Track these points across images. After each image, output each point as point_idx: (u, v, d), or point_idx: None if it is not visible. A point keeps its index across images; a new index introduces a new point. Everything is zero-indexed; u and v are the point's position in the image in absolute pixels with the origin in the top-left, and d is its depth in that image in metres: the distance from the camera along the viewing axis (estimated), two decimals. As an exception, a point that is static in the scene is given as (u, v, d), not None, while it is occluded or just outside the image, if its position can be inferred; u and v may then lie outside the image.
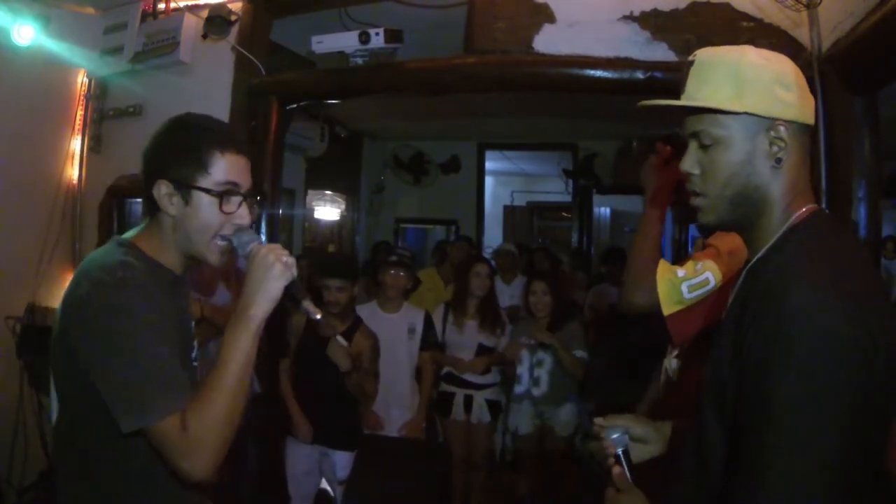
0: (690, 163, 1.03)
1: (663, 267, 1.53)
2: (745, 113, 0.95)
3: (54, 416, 1.26)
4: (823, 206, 2.41)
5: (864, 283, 0.89)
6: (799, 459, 0.81)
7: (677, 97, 1.05)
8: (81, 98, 3.61)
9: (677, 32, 2.65)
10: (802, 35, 2.55)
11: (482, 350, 3.59)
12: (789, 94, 0.96)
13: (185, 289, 1.38)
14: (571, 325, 3.47)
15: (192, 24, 3.23)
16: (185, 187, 1.23)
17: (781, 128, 0.95)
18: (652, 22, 2.68)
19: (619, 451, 1.19)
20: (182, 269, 1.32)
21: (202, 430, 1.09)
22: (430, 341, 3.43)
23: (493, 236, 7.89)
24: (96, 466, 1.21)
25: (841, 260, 0.91)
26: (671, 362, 1.89)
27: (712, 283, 1.48)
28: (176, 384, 1.12)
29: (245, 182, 1.28)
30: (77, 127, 3.61)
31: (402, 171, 7.25)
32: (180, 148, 1.25)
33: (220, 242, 1.27)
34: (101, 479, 1.21)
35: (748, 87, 0.96)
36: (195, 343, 1.39)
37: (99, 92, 3.63)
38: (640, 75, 2.61)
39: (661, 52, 2.66)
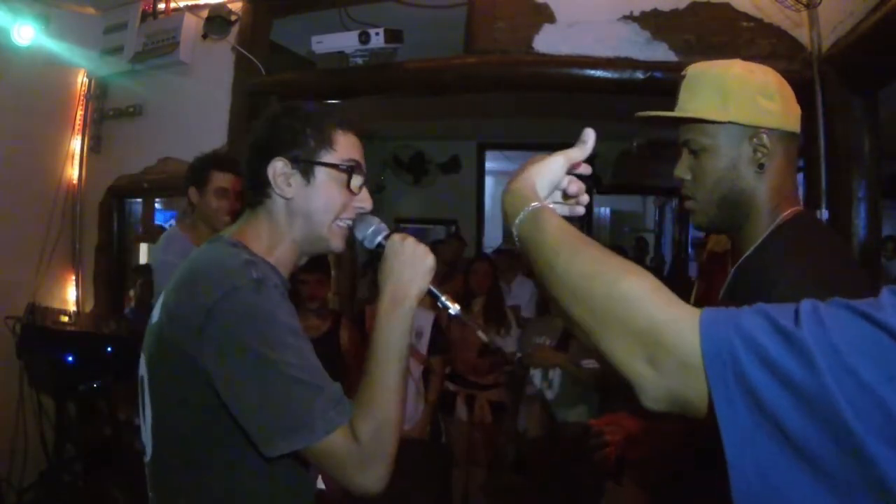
0: (683, 169, 1.09)
1: None
2: (730, 122, 1.01)
3: (149, 451, 1.13)
4: (823, 206, 2.41)
5: (845, 275, 0.92)
6: None
7: (676, 97, 1.09)
8: (81, 98, 3.62)
9: (677, 32, 2.65)
10: (802, 35, 2.55)
11: (486, 350, 3.59)
12: (772, 103, 1.00)
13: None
14: None
15: (192, 24, 3.23)
16: (307, 163, 1.11)
17: (764, 135, 1.01)
18: (652, 22, 2.68)
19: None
20: (291, 270, 1.18)
21: (376, 437, 0.97)
22: (440, 346, 3.34)
23: (493, 236, 7.88)
24: (208, 496, 1.08)
25: (823, 255, 0.95)
26: None
27: None
28: (338, 393, 1.00)
29: (363, 165, 1.16)
30: (77, 127, 3.61)
31: (402, 171, 7.24)
32: (300, 125, 1.13)
33: (343, 224, 1.15)
34: (219, 473, 1.08)
35: (732, 98, 1.01)
36: None
37: (99, 92, 3.63)
38: (640, 75, 2.61)
39: (661, 52, 2.66)
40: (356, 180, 1.13)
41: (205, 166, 2.37)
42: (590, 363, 3.38)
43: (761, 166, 1.01)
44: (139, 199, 4.01)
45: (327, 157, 1.12)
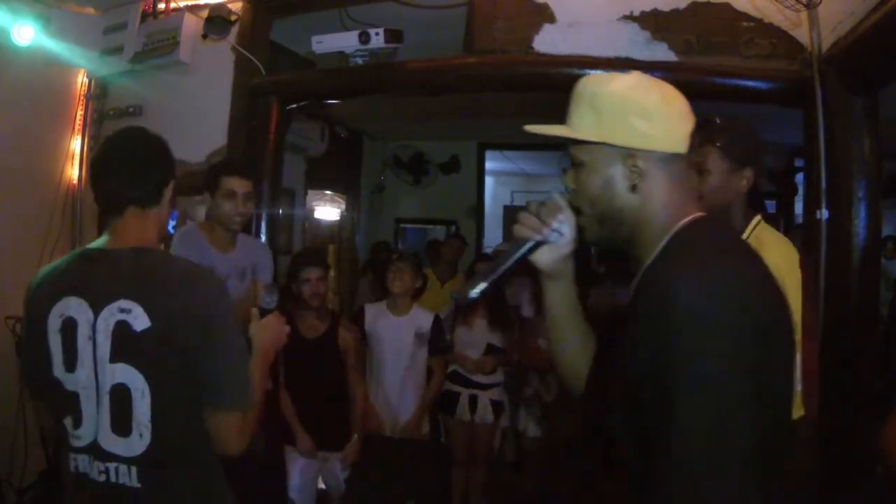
0: (570, 178, 1.09)
1: None
2: (603, 143, 1.00)
3: (141, 446, 1.29)
4: (823, 206, 2.41)
5: (742, 270, 0.93)
6: (703, 444, 0.85)
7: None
8: (81, 98, 3.62)
9: (677, 32, 2.65)
10: (802, 35, 2.55)
11: (491, 349, 3.59)
12: (648, 125, 0.98)
13: None
14: None
15: (192, 24, 3.23)
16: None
17: (638, 158, 0.99)
18: (652, 22, 2.68)
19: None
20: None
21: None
22: (440, 346, 3.34)
23: (494, 236, 7.88)
24: (203, 454, 1.36)
25: (721, 252, 0.96)
26: None
27: None
28: None
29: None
30: (77, 127, 3.61)
31: (402, 171, 7.24)
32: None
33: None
34: (205, 466, 1.37)
35: (605, 119, 1.00)
36: None
37: (99, 92, 3.63)
38: (639, 75, 2.61)
39: (662, 52, 2.66)
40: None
41: (215, 171, 2.53)
42: None
43: (634, 187, 1.00)
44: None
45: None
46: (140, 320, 1.26)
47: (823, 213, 2.41)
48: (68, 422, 1.32)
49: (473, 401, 3.58)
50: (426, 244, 6.16)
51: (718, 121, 1.72)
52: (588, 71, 2.66)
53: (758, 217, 1.75)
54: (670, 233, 1.00)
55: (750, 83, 2.60)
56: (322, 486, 3.16)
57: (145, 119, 3.49)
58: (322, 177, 6.11)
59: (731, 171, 1.70)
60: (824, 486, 2.31)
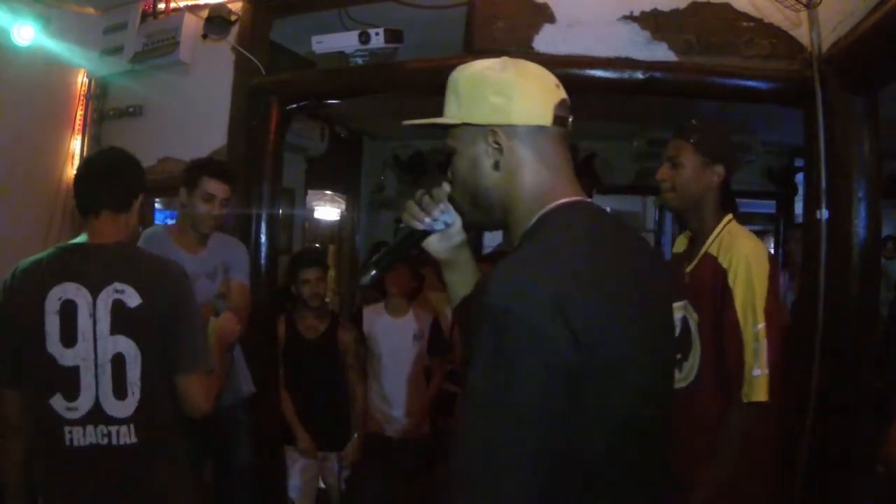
0: (450, 170, 1.10)
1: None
2: (464, 123, 1.01)
3: (135, 372, 1.58)
4: (823, 206, 2.41)
5: (573, 270, 0.86)
6: (472, 453, 0.82)
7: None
8: (81, 98, 3.61)
9: (677, 32, 2.65)
10: (802, 35, 2.55)
11: None
12: (505, 100, 0.98)
13: None
14: None
15: (192, 24, 3.23)
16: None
17: (499, 133, 0.98)
18: (652, 22, 2.68)
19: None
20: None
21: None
22: (440, 348, 3.32)
23: (493, 236, 7.87)
24: (175, 413, 1.65)
25: (558, 248, 0.90)
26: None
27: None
28: None
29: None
30: (77, 127, 3.61)
31: (402, 171, 7.24)
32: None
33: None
34: (178, 423, 1.68)
35: (464, 100, 1.01)
36: None
37: (99, 92, 3.63)
38: (640, 75, 2.61)
39: (662, 52, 2.66)
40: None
41: (196, 171, 2.47)
42: None
43: (497, 164, 0.99)
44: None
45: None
46: (133, 298, 1.58)
47: (823, 213, 2.41)
48: (58, 398, 1.55)
49: None
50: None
51: (694, 121, 1.82)
52: (588, 71, 2.66)
53: (729, 216, 1.82)
54: (535, 217, 0.98)
55: (750, 83, 2.60)
56: (322, 485, 3.16)
57: (145, 119, 3.49)
58: (322, 177, 6.11)
59: (704, 165, 1.79)
60: (824, 486, 2.31)
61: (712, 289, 1.70)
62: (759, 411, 1.62)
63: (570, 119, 1.02)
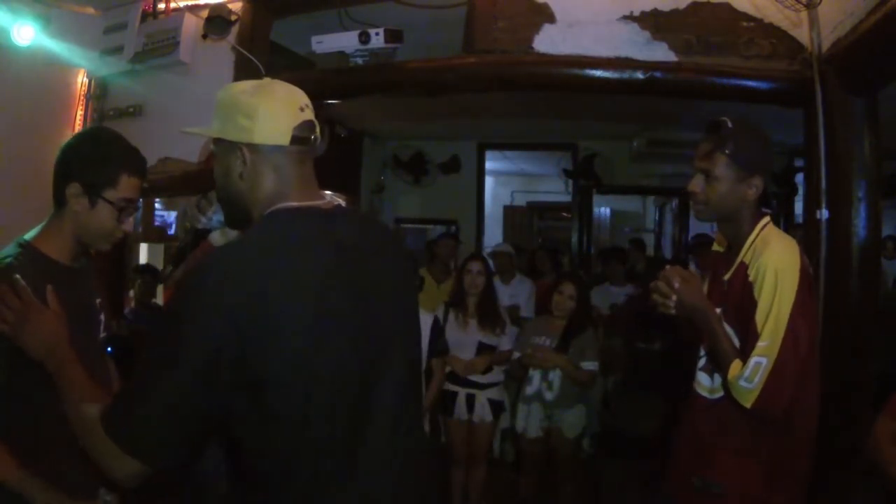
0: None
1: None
2: (219, 138, 1.20)
3: None
4: (823, 206, 2.41)
5: (235, 260, 1.08)
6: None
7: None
8: (81, 98, 3.61)
9: (677, 32, 2.65)
10: (802, 35, 2.55)
11: (483, 348, 3.59)
12: (250, 122, 1.16)
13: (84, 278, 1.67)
14: (586, 335, 3.44)
15: (192, 24, 3.23)
16: (93, 193, 1.50)
17: (244, 150, 1.18)
18: (652, 22, 2.68)
19: None
20: (72, 255, 1.60)
21: None
22: (440, 348, 3.33)
23: (493, 236, 7.88)
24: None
25: (237, 244, 1.15)
26: (702, 376, 1.75)
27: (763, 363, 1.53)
28: None
29: (138, 202, 1.62)
30: (77, 127, 3.61)
31: (402, 171, 7.24)
32: (98, 157, 1.52)
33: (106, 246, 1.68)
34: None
35: (219, 118, 1.21)
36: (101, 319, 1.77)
37: (99, 92, 3.63)
38: (640, 75, 2.61)
39: (662, 52, 2.66)
40: (124, 216, 1.56)
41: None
42: (589, 365, 3.39)
43: (241, 175, 1.19)
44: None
45: (108, 194, 1.50)
46: None
47: (823, 213, 2.41)
48: None
49: (471, 400, 3.58)
50: (425, 244, 6.17)
51: (730, 124, 1.65)
52: (588, 71, 2.66)
53: (766, 219, 1.71)
54: (259, 217, 1.19)
55: (750, 83, 2.60)
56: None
57: (145, 119, 3.49)
58: (322, 177, 6.11)
59: (739, 179, 1.65)
60: (824, 486, 2.31)
61: (741, 304, 1.62)
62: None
63: (314, 137, 1.21)
